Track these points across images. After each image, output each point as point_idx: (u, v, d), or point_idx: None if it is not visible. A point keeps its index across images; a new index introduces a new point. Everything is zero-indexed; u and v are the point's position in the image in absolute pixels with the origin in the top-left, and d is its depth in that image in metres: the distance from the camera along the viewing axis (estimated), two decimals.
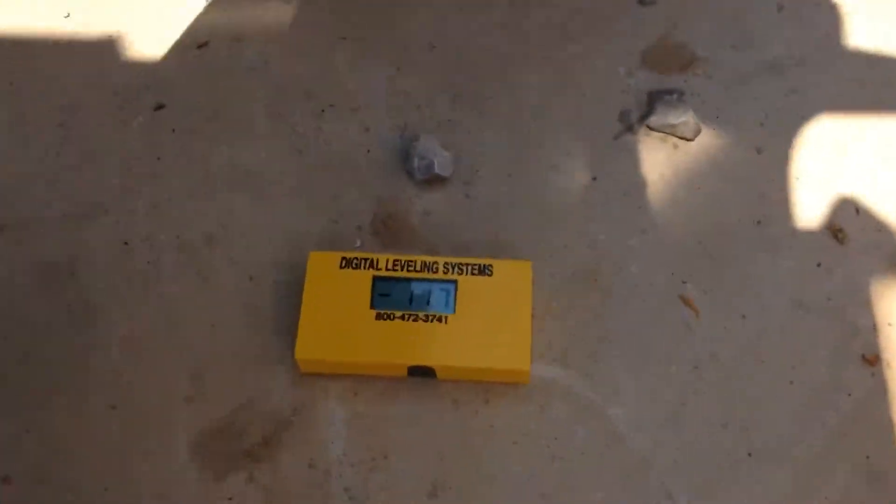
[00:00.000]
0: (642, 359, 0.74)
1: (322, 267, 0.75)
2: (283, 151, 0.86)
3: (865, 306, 0.76)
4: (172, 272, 0.79)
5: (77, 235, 0.81)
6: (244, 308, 0.77)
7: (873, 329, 0.75)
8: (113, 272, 0.79)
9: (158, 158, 0.85)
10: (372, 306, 0.73)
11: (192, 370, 0.75)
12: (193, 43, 0.92)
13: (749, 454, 0.70)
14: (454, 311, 0.73)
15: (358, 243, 0.80)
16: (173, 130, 0.87)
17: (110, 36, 0.93)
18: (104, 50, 0.92)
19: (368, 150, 0.86)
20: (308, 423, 0.72)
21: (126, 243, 0.81)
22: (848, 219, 0.80)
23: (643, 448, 0.71)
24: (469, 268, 0.75)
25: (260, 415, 0.73)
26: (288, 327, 0.76)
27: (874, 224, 0.80)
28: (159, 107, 0.88)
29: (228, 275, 0.79)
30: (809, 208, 0.81)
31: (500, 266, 0.75)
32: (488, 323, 0.72)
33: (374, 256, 0.75)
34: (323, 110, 0.88)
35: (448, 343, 0.72)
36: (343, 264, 0.75)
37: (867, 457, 0.70)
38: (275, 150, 0.86)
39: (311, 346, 0.72)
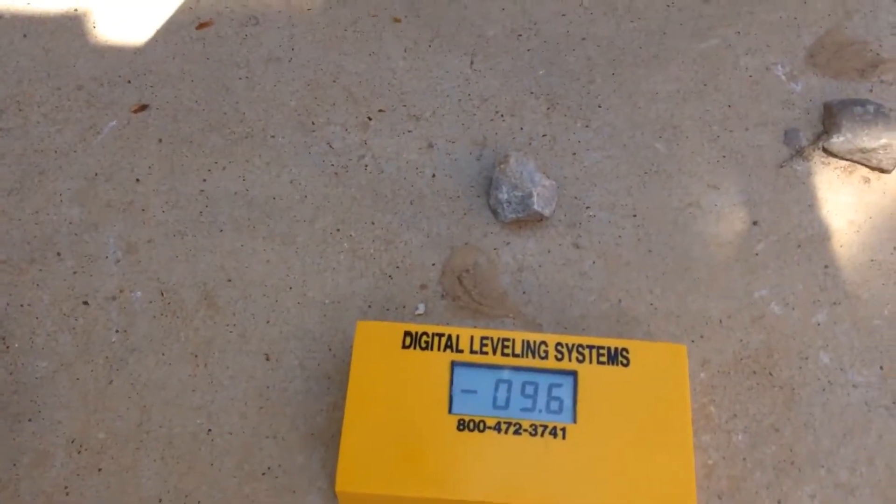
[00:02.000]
0: (852, 499, 0.50)
1: (375, 344, 0.50)
2: (315, 175, 0.61)
3: None
4: (150, 347, 0.54)
5: (15, 290, 0.56)
6: (256, 404, 0.52)
7: None
8: (63, 344, 0.54)
9: (137, 180, 0.61)
10: (451, 410, 0.48)
11: (177, 503, 0.49)
12: (192, 22, 0.68)
13: None
14: (574, 419, 0.48)
15: (420, 309, 0.56)
16: (160, 141, 0.62)
17: (76, 9, 0.68)
18: (65, 27, 0.67)
19: (434, 175, 0.61)
20: None
21: (86, 303, 0.56)
22: None
23: None
24: (595, 352, 0.50)
25: None
26: (321, 435, 0.51)
27: None
28: (141, 108, 0.64)
29: (233, 353, 0.54)
30: None
31: (640, 350, 0.50)
32: (627, 439, 0.47)
33: (454, 331, 0.50)
34: (370, 118, 0.64)
35: (567, 472, 0.47)
36: (407, 342, 0.50)
37: None
38: (303, 174, 0.61)
39: (358, 473, 0.47)
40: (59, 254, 0.57)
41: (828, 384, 0.53)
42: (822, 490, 0.50)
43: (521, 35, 0.68)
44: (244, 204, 0.60)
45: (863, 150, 0.59)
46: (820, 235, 0.59)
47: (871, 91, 0.64)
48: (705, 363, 0.54)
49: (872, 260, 0.58)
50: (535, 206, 0.57)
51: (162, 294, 0.56)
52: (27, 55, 0.66)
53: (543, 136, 0.63)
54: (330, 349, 0.54)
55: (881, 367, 0.54)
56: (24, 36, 0.67)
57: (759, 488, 0.50)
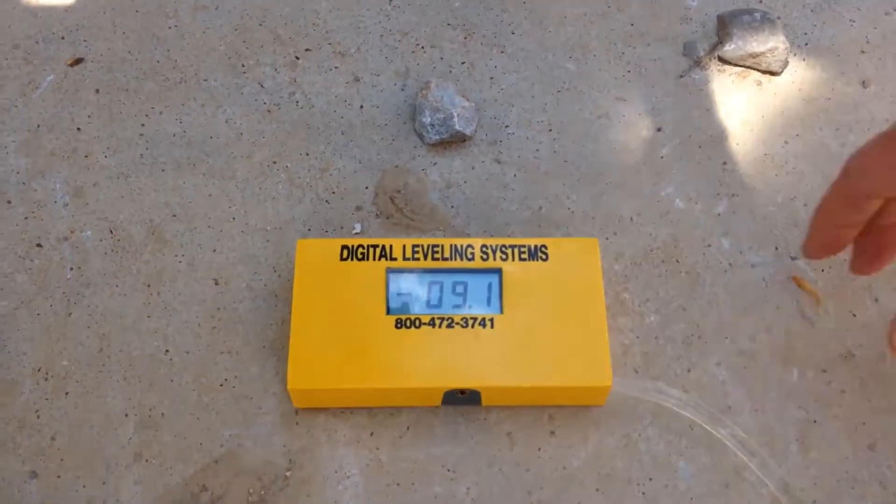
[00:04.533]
0: (753, 363, 0.56)
1: (315, 259, 0.54)
2: (248, 113, 0.64)
3: None
4: (104, 281, 0.58)
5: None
6: (209, 324, 0.56)
7: None
8: (21, 283, 0.57)
9: (78, 129, 0.63)
10: (389, 311, 0.53)
11: (142, 416, 0.54)
12: None
13: None
14: (501, 310, 0.53)
15: (357, 228, 0.60)
16: (97, 91, 0.65)
17: None
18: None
19: (362, 106, 0.65)
20: (310, 478, 0.52)
21: (39, 245, 0.59)
22: None
23: (771, 480, 0.52)
24: (516, 251, 0.55)
25: (242, 472, 0.52)
26: (272, 346, 0.55)
27: None
28: (77, 61, 0.66)
29: (184, 280, 0.58)
30: None
31: (557, 246, 0.55)
32: (549, 324, 0.52)
33: (387, 242, 0.55)
34: (298, 57, 0.67)
35: (496, 356, 0.52)
36: (344, 255, 0.54)
37: None
38: (237, 113, 0.64)
39: (307, 372, 0.51)
40: (9, 202, 0.60)
41: (729, 266, 0.59)
42: (726, 357, 0.56)
43: None
44: (183, 144, 0.63)
45: (753, 55, 0.65)
46: (718, 136, 0.64)
47: (760, 1, 0.70)
48: (619, 256, 0.59)
49: (766, 154, 0.63)
50: (457, 126, 0.62)
51: (111, 232, 0.59)
52: None
53: (462, 63, 0.67)
54: (275, 270, 0.58)
55: (776, 248, 0.60)
56: None
57: (670, 361, 0.56)
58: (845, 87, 0.66)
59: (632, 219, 0.61)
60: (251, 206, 0.61)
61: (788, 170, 0.63)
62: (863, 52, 0.67)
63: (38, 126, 0.63)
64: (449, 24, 0.69)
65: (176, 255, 0.59)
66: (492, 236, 0.59)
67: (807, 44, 0.68)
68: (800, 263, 0.59)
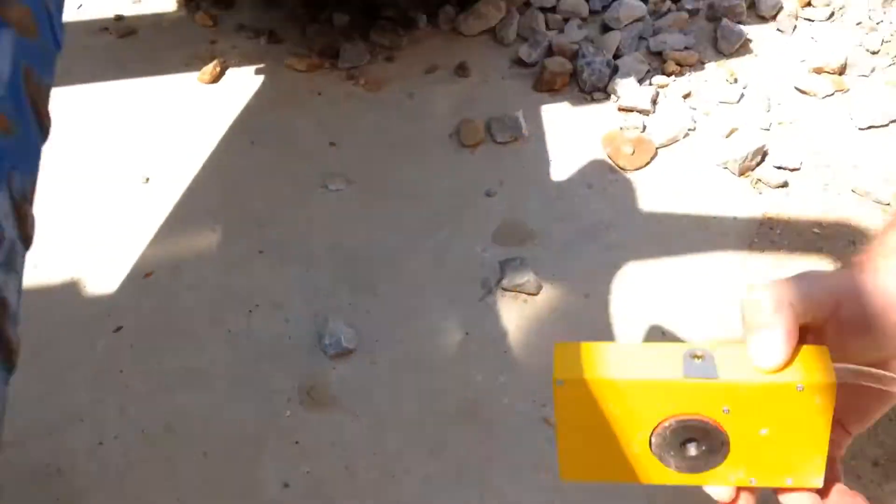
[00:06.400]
0: (525, 472, 0.96)
1: None
2: (221, 349, 1.08)
3: None
4: (141, 461, 0.98)
5: (60, 441, 1.00)
6: (207, 482, 0.96)
7: None
8: (92, 467, 0.98)
9: (121, 371, 1.06)
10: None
11: None
12: (140, 274, 1.16)
13: None
14: None
15: (288, 413, 1.01)
16: (131, 346, 1.08)
17: (72, 278, 1.16)
18: (68, 290, 1.14)
19: (290, 337, 1.09)
20: None
21: (101, 443, 1.00)
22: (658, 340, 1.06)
23: None
24: None
25: None
26: None
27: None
28: (118, 329, 1.10)
29: (188, 456, 0.98)
30: (628, 338, 1.07)
31: None
32: None
33: None
34: (250, 310, 1.11)
35: None
36: None
37: None
38: (217, 350, 1.07)
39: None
40: (81, 419, 1.02)
41: (508, 414, 1.01)
42: (511, 468, 0.96)
43: (336, 247, 1.18)
44: (184, 373, 1.05)
45: (519, 285, 1.10)
46: (501, 335, 1.08)
47: (527, 252, 1.16)
48: (438, 414, 1.01)
49: (527, 342, 1.07)
50: (344, 344, 1.05)
51: (143, 431, 1.00)
52: (45, 312, 1.12)
53: (349, 304, 1.11)
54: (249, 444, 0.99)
55: (533, 400, 1.02)
56: (39, 299, 1.14)
57: (478, 478, 0.96)
58: (576, 299, 1.11)
59: (444, 391, 1.03)
60: (223, 408, 1.02)
61: (545, 349, 1.06)
62: (585, 279, 1.13)
63: None
64: (344, 281, 1.14)
65: (182, 441, 1.00)
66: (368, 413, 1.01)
67: (553, 274, 1.13)
68: (548, 409, 1.01)
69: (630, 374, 0.42)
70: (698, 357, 0.42)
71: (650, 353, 0.43)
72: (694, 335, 1.06)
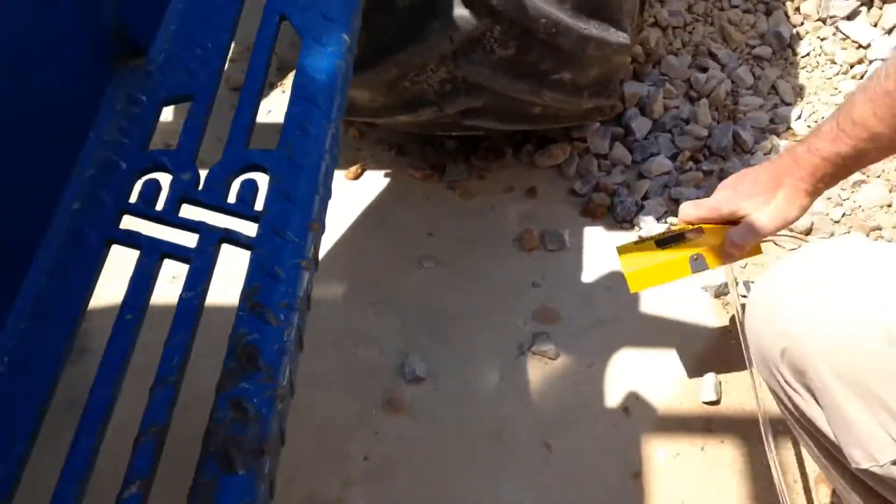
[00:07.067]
0: (524, 477, 1.42)
1: None
2: (338, 365, 1.59)
3: None
4: None
5: None
6: (316, 452, 1.46)
7: None
8: None
9: None
10: None
11: None
12: None
13: None
14: None
15: (373, 412, 1.51)
16: None
17: None
18: None
19: (382, 364, 1.59)
20: None
21: None
22: None
23: None
24: None
25: None
26: None
27: None
28: None
29: (304, 433, 1.49)
30: (612, 396, 1.52)
31: None
32: None
33: None
34: (357, 342, 1.62)
35: None
36: None
37: None
38: (335, 365, 1.59)
39: None
40: None
41: None
42: None
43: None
44: None
45: (544, 351, 1.57)
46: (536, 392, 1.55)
47: (553, 329, 1.63)
48: None
49: (562, 385, 1.53)
50: None
51: None
52: None
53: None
54: None
55: None
56: None
57: None
58: (582, 368, 1.57)
59: None
60: None
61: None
62: (590, 364, 1.59)
63: None
64: None
65: None
66: None
67: (568, 348, 1.59)
68: None
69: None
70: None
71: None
72: (661, 398, 1.50)
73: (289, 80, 2.12)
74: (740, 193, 1.15)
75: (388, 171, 1.92)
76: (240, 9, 1.02)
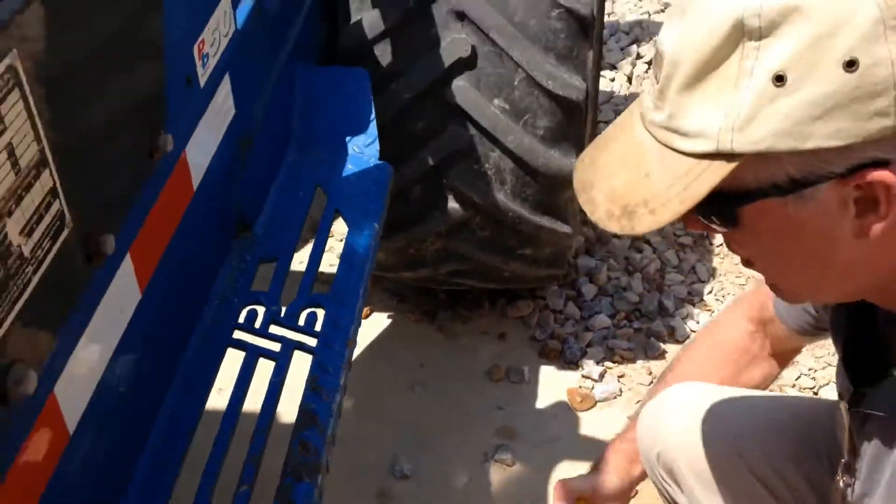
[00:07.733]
0: None
1: None
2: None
3: None
4: None
5: None
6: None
7: None
8: None
9: None
10: None
11: None
12: None
13: None
14: None
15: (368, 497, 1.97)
16: None
17: None
18: None
19: (378, 462, 2.05)
20: None
21: None
22: None
23: None
24: None
25: None
26: None
27: None
28: None
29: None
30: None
31: None
32: None
33: None
34: (360, 445, 2.09)
35: None
36: None
37: None
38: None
39: None
40: None
41: None
42: None
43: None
44: None
45: (502, 459, 2.04)
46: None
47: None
48: None
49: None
50: None
51: None
52: None
53: None
54: None
55: None
56: None
57: None
58: (532, 473, 2.03)
59: None
60: None
61: None
62: (542, 462, 2.06)
63: None
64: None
65: None
66: None
67: (524, 457, 2.07)
68: None
69: None
70: None
71: None
72: None
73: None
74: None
75: (391, 313, 2.46)
76: (310, 202, 1.59)
